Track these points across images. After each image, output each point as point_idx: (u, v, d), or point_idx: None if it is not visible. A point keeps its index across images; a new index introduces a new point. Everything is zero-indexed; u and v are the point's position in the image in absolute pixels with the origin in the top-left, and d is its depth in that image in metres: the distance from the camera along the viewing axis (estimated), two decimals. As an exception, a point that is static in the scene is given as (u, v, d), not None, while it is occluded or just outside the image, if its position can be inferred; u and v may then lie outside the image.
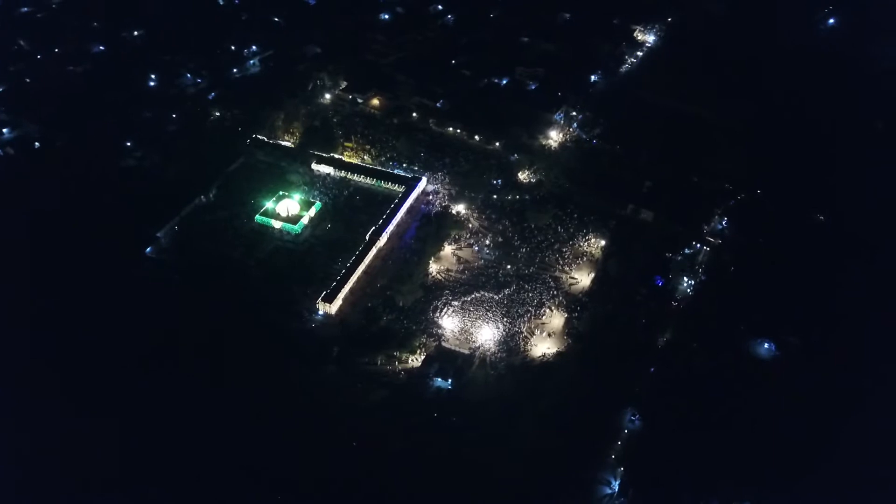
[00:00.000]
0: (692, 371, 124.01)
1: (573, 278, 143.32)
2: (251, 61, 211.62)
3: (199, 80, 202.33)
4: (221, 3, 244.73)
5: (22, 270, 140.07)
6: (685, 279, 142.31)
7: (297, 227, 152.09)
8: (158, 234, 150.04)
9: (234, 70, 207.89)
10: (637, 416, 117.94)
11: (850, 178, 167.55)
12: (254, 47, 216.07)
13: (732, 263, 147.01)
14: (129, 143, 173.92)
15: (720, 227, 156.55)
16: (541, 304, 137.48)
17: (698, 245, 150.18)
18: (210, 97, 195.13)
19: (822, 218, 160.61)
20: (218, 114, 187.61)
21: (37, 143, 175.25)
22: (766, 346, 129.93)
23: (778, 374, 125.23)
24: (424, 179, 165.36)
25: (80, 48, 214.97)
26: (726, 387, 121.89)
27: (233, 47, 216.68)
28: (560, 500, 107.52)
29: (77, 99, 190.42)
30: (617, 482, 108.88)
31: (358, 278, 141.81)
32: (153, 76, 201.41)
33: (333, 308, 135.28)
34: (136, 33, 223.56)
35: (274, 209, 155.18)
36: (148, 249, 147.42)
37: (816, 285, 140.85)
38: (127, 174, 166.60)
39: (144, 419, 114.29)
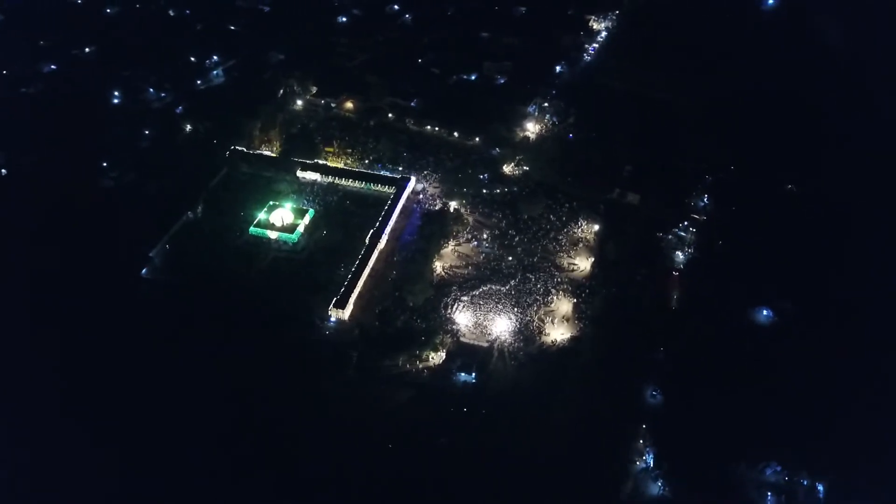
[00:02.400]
0: (701, 343, 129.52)
1: (574, 264, 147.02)
2: (214, 72, 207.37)
3: (163, 94, 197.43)
4: (172, 14, 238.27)
5: (19, 304, 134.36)
6: (680, 256, 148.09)
7: (293, 236, 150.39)
8: (151, 255, 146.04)
9: (199, 81, 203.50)
10: (658, 391, 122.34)
11: (812, 147, 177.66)
12: (215, 57, 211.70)
13: (720, 238, 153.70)
14: (104, 164, 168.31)
15: (702, 204, 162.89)
16: (548, 292, 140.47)
17: (686, 223, 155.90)
18: (178, 110, 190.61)
19: (792, 188, 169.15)
20: (190, 127, 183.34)
21: (3, 171, 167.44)
22: (764, 312, 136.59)
23: (779, 337, 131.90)
24: (414, 179, 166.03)
25: (31, 68, 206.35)
26: (735, 354, 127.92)
27: (192, 58, 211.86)
28: (599, 480, 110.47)
29: (36, 121, 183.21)
30: (651, 457, 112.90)
31: (365, 282, 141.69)
32: (115, 93, 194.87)
33: (346, 313, 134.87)
34: (87, 50, 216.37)
35: (268, 219, 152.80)
36: (143, 271, 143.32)
37: (799, 251, 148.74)
38: (106, 195, 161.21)
39: (174, 439, 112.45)
